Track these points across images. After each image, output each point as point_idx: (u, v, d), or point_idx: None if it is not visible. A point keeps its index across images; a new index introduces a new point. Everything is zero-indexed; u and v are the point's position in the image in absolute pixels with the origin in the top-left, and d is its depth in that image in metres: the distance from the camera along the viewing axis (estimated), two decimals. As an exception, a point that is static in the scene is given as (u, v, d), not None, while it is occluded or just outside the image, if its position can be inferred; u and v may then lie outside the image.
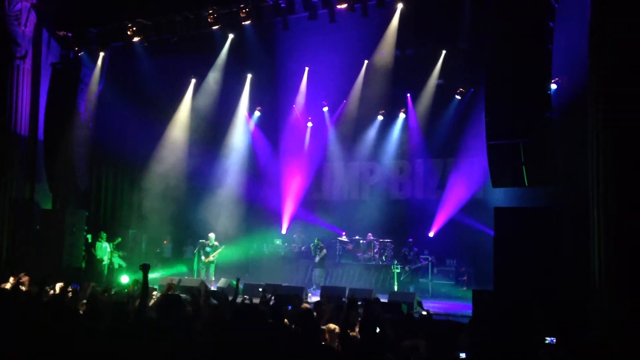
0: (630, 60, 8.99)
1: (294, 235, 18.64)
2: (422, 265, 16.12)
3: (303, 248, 17.84)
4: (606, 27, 9.33)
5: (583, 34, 10.03)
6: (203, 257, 15.88)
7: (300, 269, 17.32)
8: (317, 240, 16.41)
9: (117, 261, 16.93)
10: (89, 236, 16.24)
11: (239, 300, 8.84)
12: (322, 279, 15.95)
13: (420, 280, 16.16)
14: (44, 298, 7.46)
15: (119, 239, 17.21)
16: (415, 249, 16.18)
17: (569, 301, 9.52)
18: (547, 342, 6.13)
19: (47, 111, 15.78)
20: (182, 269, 17.42)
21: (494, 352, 5.21)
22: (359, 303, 8.59)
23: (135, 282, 9.97)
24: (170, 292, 7.47)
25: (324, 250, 16.07)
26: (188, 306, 6.63)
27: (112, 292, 8.63)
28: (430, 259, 16.34)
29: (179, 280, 14.17)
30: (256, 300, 9.56)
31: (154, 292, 9.58)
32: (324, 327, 6.20)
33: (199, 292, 9.14)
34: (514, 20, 10.69)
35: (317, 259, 16.06)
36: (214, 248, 15.94)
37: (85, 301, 7.56)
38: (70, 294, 8.62)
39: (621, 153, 9.02)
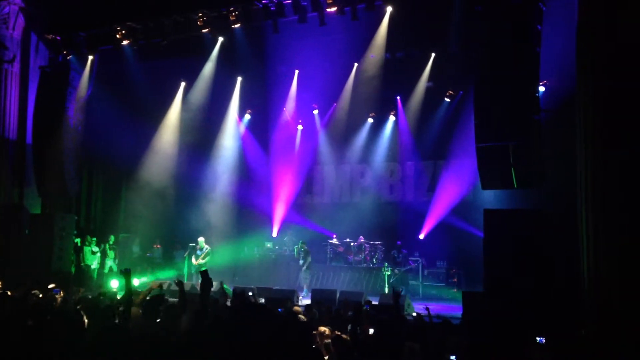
0: (618, 62, 9.07)
1: (285, 238, 18.63)
2: (412, 268, 16.15)
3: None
4: (593, 30, 9.41)
5: (571, 37, 10.10)
6: (193, 261, 15.83)
7: (292, 272, 17.30)
8: (302, 242, 16.39)
9: (109, 263, 16.88)
10: (78, 240, 16.15)
11: (228, 303, 8.82)
12: (308, 281, 15.93)
13: (411, 282, 16.19)
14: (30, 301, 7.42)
15: (112, 238, 17.18)
16: (405, 251, 16.21)
17: (559, 302, 9.58)
18: (537, 341, 6.17)
19: (36, 115, 15.65)
20: (172, 272, 17.34)
21: (485, 353, 5.23)
22: (365, 307, 8.62)
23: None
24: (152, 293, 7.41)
25: (309, 258, 16.04)
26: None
27: (101, 297, 8.57)
28: (420, 261, 16.39)
29: (169, 284, 14.12)
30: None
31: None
32: (314, 331, 6.19)
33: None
34: (502, 23, 10.76)
35: (300, 261, 16.07)
36: (204, 252, 15.89)
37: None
38: (59, 299, 8.56)
39: (609, 155, 9.09)
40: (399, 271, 15.69)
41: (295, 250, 16.47)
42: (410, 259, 16.34)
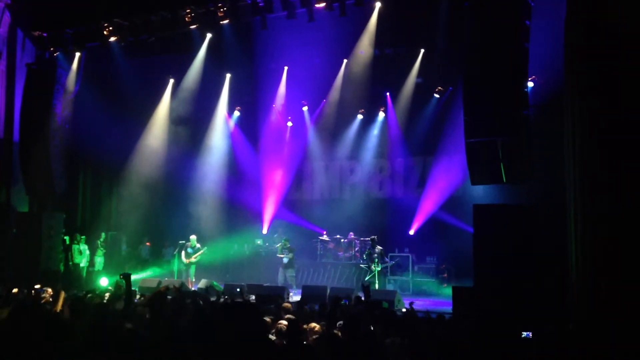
0: (605, 58, 9.12)
1: (275, 235, 18.59)
2: (388, 266, 15.79)
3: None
4: (581, 25, 9.45)
5: (559, 32, 10.15)
6: (184, 258, 15.75)
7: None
8: (285, 240, 16.12)
9: (100, 261, 16.82)
10: (67, 239, 16.04)
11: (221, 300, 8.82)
12: (294, 278, 15.77)
13: (401, 278, 16.21)
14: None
15: (103, 235, 17.13)
16: (380, 247, 15.61)
17: (548, 296, 9.64)
18: (523, 336, 6.19)
19: (23, 112, 15.53)
20: (162, 270, 17.29)
21: (474, 347, 5.25)
22: (343, 302, 8.60)
23: (118, 286, 9.90)
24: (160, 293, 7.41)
25: (292, 254, 15.72)
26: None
27: (90, 295, 8.53)
28: (410, 256, 16.38)
29: (159, 282, 14.08)
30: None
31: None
32: (305, 326, 6.19)
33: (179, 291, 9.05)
34: (490, 18, 10.80)
35: (285, 260, 15.68)
36: (196, 250, 15.81)
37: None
38: (49, 297, 8.51)
39: (597, 149, 9.14)
40: (365, 265, 15.09)
41: (280, 247, 16.16)
42: (395, 255, 16.12)
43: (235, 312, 2.62)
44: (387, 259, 15.72)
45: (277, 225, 18.96)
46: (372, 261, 15.02)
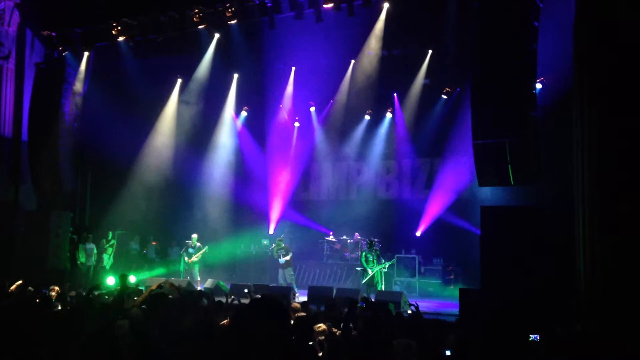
0: (614, 59, 9.07)
1: (282, 236, 18.59)
2: (384, 266, 15.32)
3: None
4: (590, 26, 9.40)
5: (568, 33, 10.10)
6: (186, 258, 15.74)
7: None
8: (279, 240, 15.80)
9: (108, 260, 16.87)
10: (75, 237, 16.10)
11: (223, 300, 8.81)
12: (294, 278, 15.54)
13: (408, 279, 16.17)
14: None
15: (110, 234, 17.19)
16: (378, 247, 15.05)
17: (555, 298, 9.58)
18: (531, 339, 6.16)
19: (31, 112, 15.60)
20: (168, 269, 17.33)
21: (479, 349, 5.23)
22: (359, 304, 8.57)
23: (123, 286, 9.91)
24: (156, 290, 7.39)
25: (288, 253, 15.29)
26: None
27: (96, 294, 8.53)
28: (417, 258, 16.32)
29: (165, 281, 14.06)
30: (244, 301, 9.53)
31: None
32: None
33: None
34: (499, 19, 10.75)
35: (282, 260, 15.26)
36: (197, 249, 15.79)
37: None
38: (54, 295, 8.53)
39: (605, 151, 9.09)
40: (361, 268, 14.78)
41: (275, 249, 15.72)
42: (382, 258, 15.86)
43: (263, 310, 2.45)
44: (383, 260, 15.10)
45: (284, 225, 18.97)
46: (371, 262, 14.39)
